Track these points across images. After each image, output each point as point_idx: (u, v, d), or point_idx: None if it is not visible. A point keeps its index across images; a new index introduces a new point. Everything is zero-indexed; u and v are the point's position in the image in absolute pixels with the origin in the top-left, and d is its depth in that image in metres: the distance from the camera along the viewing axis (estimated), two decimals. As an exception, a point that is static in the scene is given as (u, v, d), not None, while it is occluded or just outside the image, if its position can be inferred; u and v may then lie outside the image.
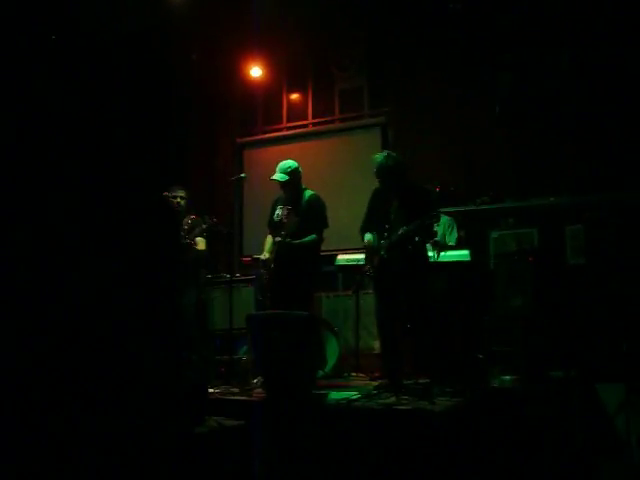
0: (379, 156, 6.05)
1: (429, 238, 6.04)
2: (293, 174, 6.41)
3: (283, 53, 9.41)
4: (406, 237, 5.71)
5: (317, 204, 6.43)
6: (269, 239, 6.54)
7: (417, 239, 5.74)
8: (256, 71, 9.35)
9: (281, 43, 9.17)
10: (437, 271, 6.34)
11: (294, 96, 9.66)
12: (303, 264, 6.23)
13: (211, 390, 5.83)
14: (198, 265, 6.95)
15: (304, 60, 9.51)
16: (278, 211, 6.45)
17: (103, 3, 7.66)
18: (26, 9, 7.31)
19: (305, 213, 6.34)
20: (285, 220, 6.32)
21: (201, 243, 6.81)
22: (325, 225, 6.41)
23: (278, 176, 6.40)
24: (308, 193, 6.47)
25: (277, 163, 6.53)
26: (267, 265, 6.37)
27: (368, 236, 6.06)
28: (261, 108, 9.86)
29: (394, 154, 6.08)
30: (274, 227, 6.47)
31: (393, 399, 5.16)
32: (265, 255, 6.45)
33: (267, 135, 9.76)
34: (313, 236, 6.28)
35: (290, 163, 6.46)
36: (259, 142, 9.78)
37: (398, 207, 5.89)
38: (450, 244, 6.87)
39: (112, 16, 7.92)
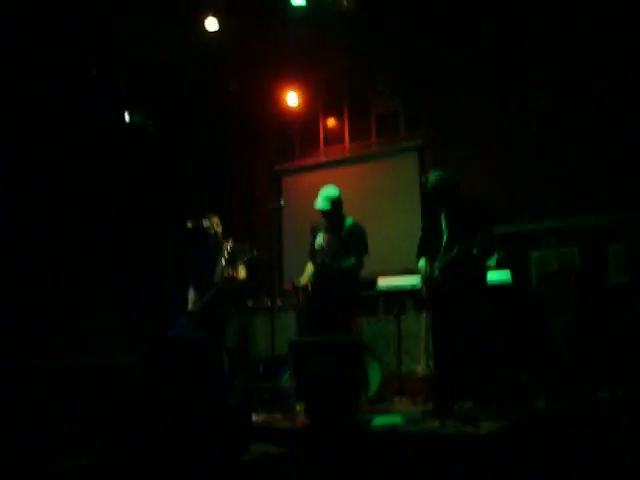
0: (431, 176, 6.04)
1: (489, 254, 6.01)
2: (335, 203, 6.46)
3: (318, 79, 9.50)
4: (460, 256, 5.66)
5: (358, 231, 6.48)
6: (309, 266, 6.58)
7: (475, 252, 5.66)
8: (292, 98, 9.43)
9: (316, 69, 9.26)
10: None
11: (330, 122, 9.71)
12: (342, 288, 6.25)
13: (255, 417, 5.85)
14: (240, 293, 6.99)
15: (339, 85, 9.57)
16: (319, 239, 6.49)
17: (143, 37, 7.82)
18: (69, 42, 7.52)
19: (346, 239, 6.38)
20: (326, 247, 6.38)
21: (242, 272, 6.85)
22: (365, 251, 6.42)
23: (321, 205, 6.44)
24: (349, 220, 6.52)
25: (316, 189, 6.57)
26: (304, 290, 6.41)
27: (421, 262, 6.07)
28: (298, 134, 9.92)
29: (445, 173, 6.05)
30: (315, 254, 6.51)
31: (437, 424, 5.12)
32: (304, 280, 6.48)
33: (304, 161, 9.81)
34: (352, 260, 6.30)
35: (332, 192, 6.48)
36: (297, 169, 9.83)
37: (452, 225, 5.89)
38: (490, 265, 6.83)
39: (153, 50, 8.09)
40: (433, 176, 6.03)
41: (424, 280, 6.02)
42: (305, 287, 6.48)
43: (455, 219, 5.88)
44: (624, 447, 4.70)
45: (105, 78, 8.08)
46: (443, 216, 5.98)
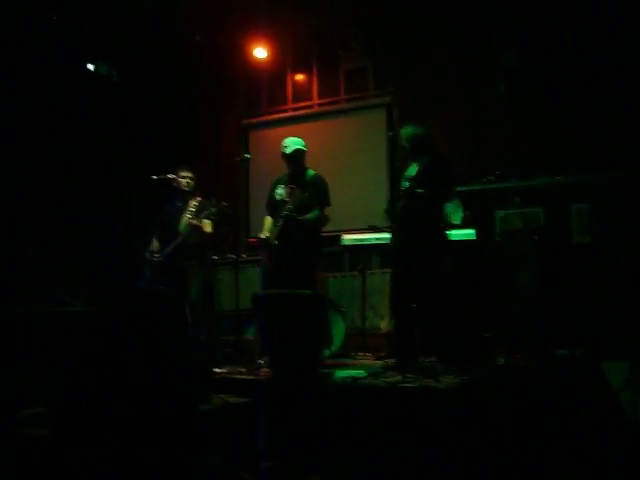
0: (409, 128, 6.00)
1: (443, 197, 5.94)
2: (301, 151, 6.42)
3: (288, 34, 9.38)
4: (408, 193, 5.67)
5: (320, 182, 6.41)
6: (268, 219, 6.53)
7: (421, 191, 5.63)
8: (261, 52, 9.32)
9: (285, 23, 9.13)
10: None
11: (299, 77, 9.63)
12: (306, 241, 6.22)
13: (218, 370, 5.86)
14: (204, 246, 6.95)
15: (309, 41, 9.48)
16: (279, 190, 6.43)
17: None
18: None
19: (308, 191, 6.32)
20: (288, 198, 6.31)
21: (208, 226, 6.81)
22: (327, 203, 6.39)
23: (297, 146, 6.40)
24: (311, 172, 6.46)
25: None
26: (269, 243, 6.37)
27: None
28: (266, 89, 9.84)
29: (418, 128, 6.00)
30: (274, 207, 6.45)
31: (399, 377, 5.17)
32: (265, 234, 6.45)
33: (272, 116, 9.74)
34: (316, 212, 6.27)
35: (300, 140, 6.46)
36: (264, 123, 9.76)
37: (417, 173, 5.81)
38: (455, 223, 6.86)
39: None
40: (410, 127, 6.00)
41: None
42: (267, 239, 6.44)
43: (423, 169, 5.82)
44: (579, 400, 4.80)
45: (68, 25, 7.90)
46: (410, 168, 5.92)
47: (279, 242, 6.27)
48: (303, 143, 6.44)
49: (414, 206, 5.66)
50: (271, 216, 6.50)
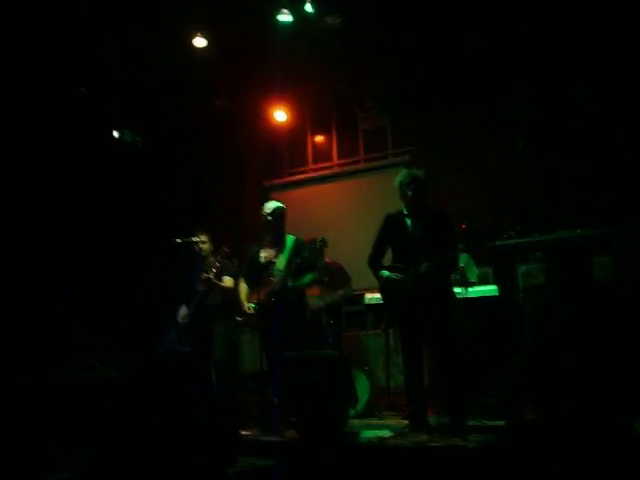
0: (411, 171, 5.95)
1: (453, 271, 5.96)
2: (274, 214, 6.49)
3: (306, 96, 9.54)
4: (433, 271, 5.46)
5: (304, 245, 6.50)
6: (244, 288, 6.61)
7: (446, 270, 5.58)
8: (280, 115, 9.49)
9: (304, 86, 9.29)
10: (465, 307, 6.36)
11: (319, 138, 9.78)
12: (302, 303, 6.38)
13: (243, 431, 5.85)
14: (229, 307, 7.00)
15: (327, 102, 9.64)
16: (263, 254, 6.49)
17: (127, 53, 7.87)
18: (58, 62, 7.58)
19: (296, 255, 6.39)
20: (275, 260, 6.38)
21: (229, 281, 6.89)
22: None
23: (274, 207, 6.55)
24: (291, 237, 6.56)
25: (305, 204, 6.67)
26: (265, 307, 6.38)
27: (385, 273, 5.77)
28: (287, 151, 9.98)
29: (416, 171, 5.94)
30: (260, 270, 6.49)
31: (425, 437, 5.13)
32: (250, 307, 6.49)
33: (293, 177, 9.86)
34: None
35: (274, 203, 6.61)
36: (286, 185, 9.86)
37: (421, 234, 5.65)
38: (472, 280, 6.85)
39: (137, 65, 8.13)
40: (402, 173, 5.93)
41: (390, 291, 5.82)
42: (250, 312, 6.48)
43: (425, 226, 5.67)
44: (613, 460, 4.73)
45: (94, 95, 8.11)
46: (410, 221, 5.77)
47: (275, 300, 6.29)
48: (269, 208, 6.55)
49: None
50: (254, 280, 6.52)
